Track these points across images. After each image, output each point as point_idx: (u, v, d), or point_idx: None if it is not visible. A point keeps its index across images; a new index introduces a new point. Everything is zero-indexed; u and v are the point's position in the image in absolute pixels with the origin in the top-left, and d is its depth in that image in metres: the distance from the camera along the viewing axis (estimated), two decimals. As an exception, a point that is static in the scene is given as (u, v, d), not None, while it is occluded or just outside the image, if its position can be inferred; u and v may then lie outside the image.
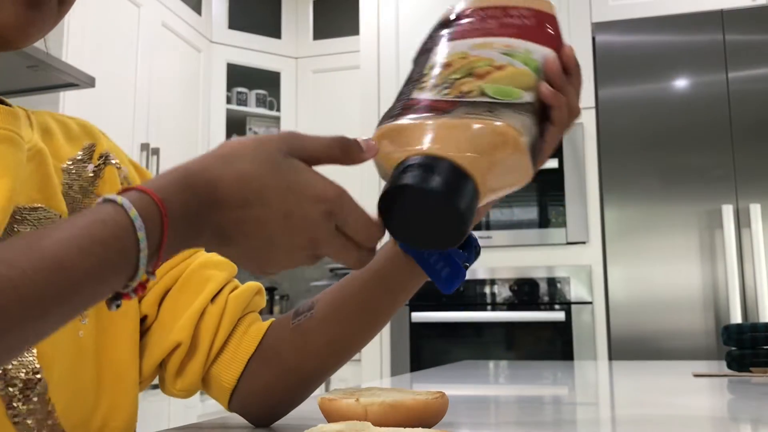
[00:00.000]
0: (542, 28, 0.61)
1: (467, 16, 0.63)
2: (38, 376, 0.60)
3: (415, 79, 0.59)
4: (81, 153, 0.71)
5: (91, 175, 0.70)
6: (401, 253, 0.65)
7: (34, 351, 0.59)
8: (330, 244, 0.51)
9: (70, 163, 0.69)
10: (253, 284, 0.75)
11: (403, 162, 0.52)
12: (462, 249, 0.64)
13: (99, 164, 0.71)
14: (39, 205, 0.63)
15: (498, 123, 0.52)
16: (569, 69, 0.60)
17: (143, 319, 0.71)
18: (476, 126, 0.52)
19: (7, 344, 0.39)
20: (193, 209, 0.47)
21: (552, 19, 0.62)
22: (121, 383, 0.67)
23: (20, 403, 0.58)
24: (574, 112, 0.61)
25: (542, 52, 0.59)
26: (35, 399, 0.59)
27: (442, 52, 0.61)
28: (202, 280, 0.72)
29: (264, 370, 0.69)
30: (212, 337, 0.69)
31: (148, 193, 0.45)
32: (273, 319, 0.73)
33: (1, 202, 0.59)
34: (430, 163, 0.51)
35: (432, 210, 0.51)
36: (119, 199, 0.44)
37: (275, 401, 0.70)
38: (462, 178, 0.51)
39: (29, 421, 0.59)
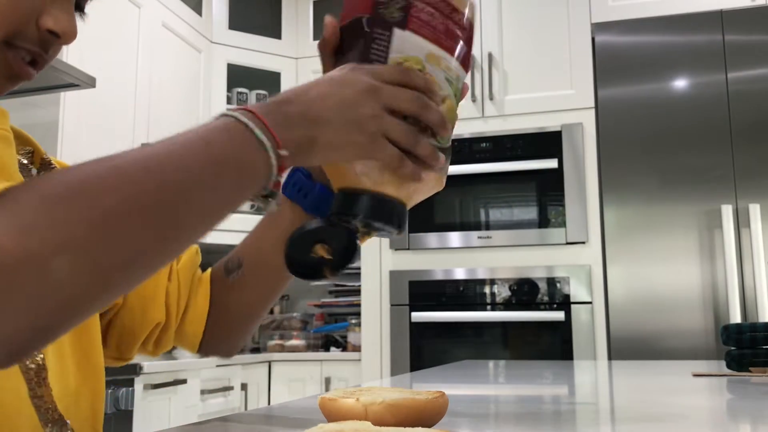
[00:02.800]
0: (470, 44, 0.65)
1: None
2: (42, 357, 0.62)
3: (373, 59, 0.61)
4: (22, 156, 0.71)
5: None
6: (304, 215, 0.76)
7: None
8: (386, 120, 0.56)
9: (18, 165, 0.69)
10: (191, 248, 0.83)
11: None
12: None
13: (41, 169, 0.72)
14: None
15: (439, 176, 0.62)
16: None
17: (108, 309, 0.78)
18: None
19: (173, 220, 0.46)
20: (271, 105, 0.54)
21: (471, 27, 0.65)
22: (95, 368, 0.71)
23: (36, 386, 0.61)
24: None
25: (462, 78, 0.64)
26: (45, 382, 0.61)
27: (399, 45, 0.60)
28: None
29: (218, 321, 0.83)
30: (177, 308, 0.81)
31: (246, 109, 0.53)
32: (209, 270, 0.85)
33: None
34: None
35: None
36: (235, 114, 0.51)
37: (234, 340, 0.85)
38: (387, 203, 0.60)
39: (47, 403, 0.61)
